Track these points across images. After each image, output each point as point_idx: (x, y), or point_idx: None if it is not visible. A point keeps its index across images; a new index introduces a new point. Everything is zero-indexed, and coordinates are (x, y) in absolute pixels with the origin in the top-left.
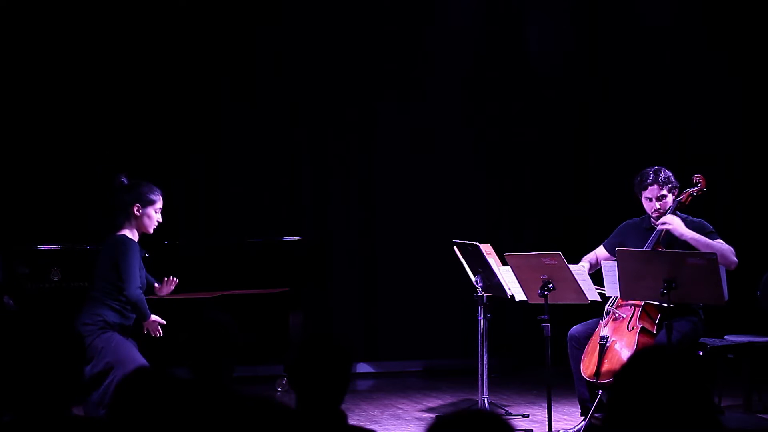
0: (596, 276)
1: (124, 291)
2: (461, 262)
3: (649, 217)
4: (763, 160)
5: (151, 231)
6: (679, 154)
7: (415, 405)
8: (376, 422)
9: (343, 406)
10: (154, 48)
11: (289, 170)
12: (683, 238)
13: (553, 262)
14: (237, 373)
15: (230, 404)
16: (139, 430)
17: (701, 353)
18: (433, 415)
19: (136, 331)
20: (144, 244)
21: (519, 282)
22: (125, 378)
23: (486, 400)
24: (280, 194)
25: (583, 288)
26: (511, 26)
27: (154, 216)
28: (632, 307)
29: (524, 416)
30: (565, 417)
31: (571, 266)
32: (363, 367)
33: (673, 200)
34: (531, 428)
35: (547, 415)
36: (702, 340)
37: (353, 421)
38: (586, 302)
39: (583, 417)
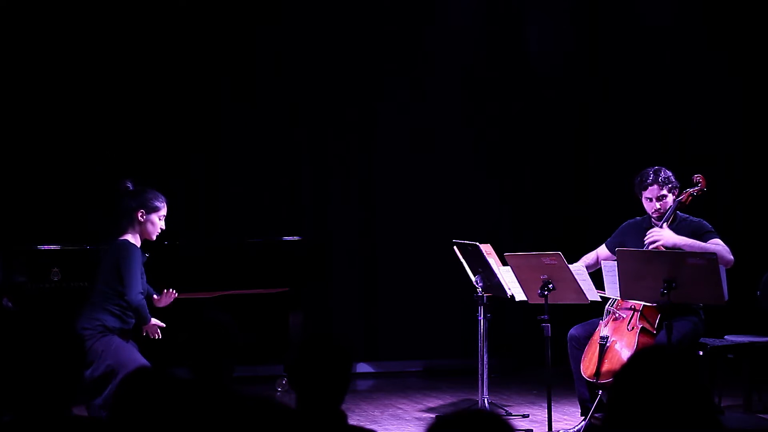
0: (596, 276)
1: (125, 296)
2: (461, 262)
3: (650, 217)
4: (763, 160)
5: (154, 238)
6: (679, 154)
7: (415, 405)
8: (376, 422)
9: (343, 406)
10: (154, 48)
11: (289, 170)
12: (677, 246)
13: (553, 262)
14: (237, 373)
15: (230, 404)
16: (139, 430)
17: (701, 353)
18: (433, 415)
19: (135, 333)
20: (144, 244)
21: (519, 282)
22: (126, 378)
23: (486, 400)
24: (280, 194)
25: (583, 288)
26: (511, 26)
27: (157, 223)
28: (632, 307)
29: (524, 416)
30: (565, 417)
31: (571, 266)
32: (363, 367)
33: (674, 200)
34: (531, 428)
35: (547, 415)
36: (702, 340)
37: (353, 421)
38: (586, 302)
39: (583, 417)
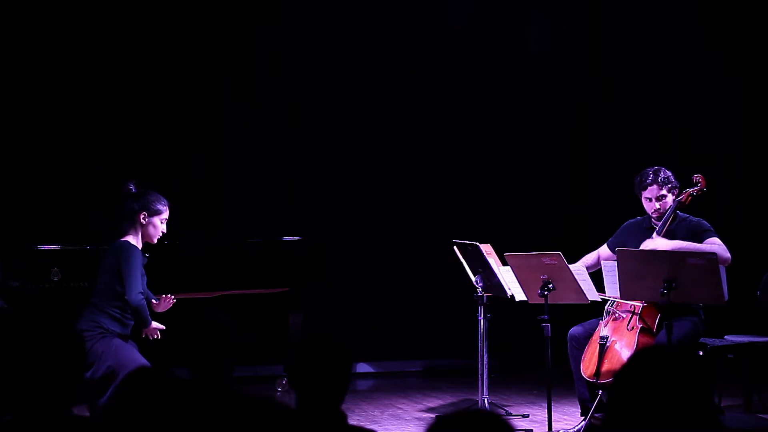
0: (597, 277)
1: (125, 296)
2: (461, 262)
3: (650, 217)
4: (763, 160)
5: (155, 241)
6: (679, 154)
7: (415, 405)
8: (376, 422)
9: (343, 406)
10: (154, 48)
11: (289, 170)
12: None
13: (553, 262)
14: (237, 373)
15: (230, 404)
16: (139, 430)
17: (701, 353)
18: (433, 415)
19: (134, 333)
20: (144, 245)
21: (519, 282)
22: (126, 378)
23: (486, 400)
24: (280, 194)
25: (583, 288)
26: (511, 26)
27: (159, 226)
28: (632, 307)
29: (524, 416)
30: (565, 417)
31: (571, 266)
32: (363, 367)
33: (673, 200)
34: (531, 428)
35: (547, 415)
36: (702, 340)
37: (353, 421)
38: (586, 302)
39: (583, 417)
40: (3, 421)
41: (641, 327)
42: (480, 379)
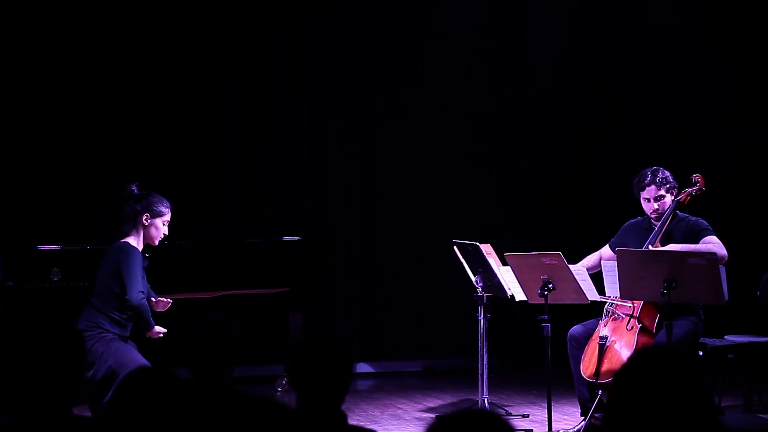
0: (597, 277)
1: (126, 296)
2: (461, 262)
3: (649, 217)
4: (764, 160)
5: (156, 243)
6: (679, 154)
7: (415, 405)
8: (376, 422)
9: (343, 406)
10: (154, 47)
11: (289, 170)
12: None
13: (553, 262)
14: (237, 373)
15: (230, 404)
16: (139, 430)
17: (701, 353)
18: (433, 415)
19: (134, 333)
20: (145, 246)
21: (519, 282)
22: (126, 378)
23: (486, 400)
24: (280, 194)
25: (583, 288)
26: (512, 26)
27: (161, 228)
28: (632, 307)
29: (524, 416)
30: (565, 417)
31: (571, 266)
32: (363, 367)
33: (672, 200)
34: (531, 428)
35: (547, 415)
36: (702, 340)
37: (353, 421)
38: (586, 302)
39: (583, 417)
40: (3, 421)
41: (641, 327)
42: (480, 379)
